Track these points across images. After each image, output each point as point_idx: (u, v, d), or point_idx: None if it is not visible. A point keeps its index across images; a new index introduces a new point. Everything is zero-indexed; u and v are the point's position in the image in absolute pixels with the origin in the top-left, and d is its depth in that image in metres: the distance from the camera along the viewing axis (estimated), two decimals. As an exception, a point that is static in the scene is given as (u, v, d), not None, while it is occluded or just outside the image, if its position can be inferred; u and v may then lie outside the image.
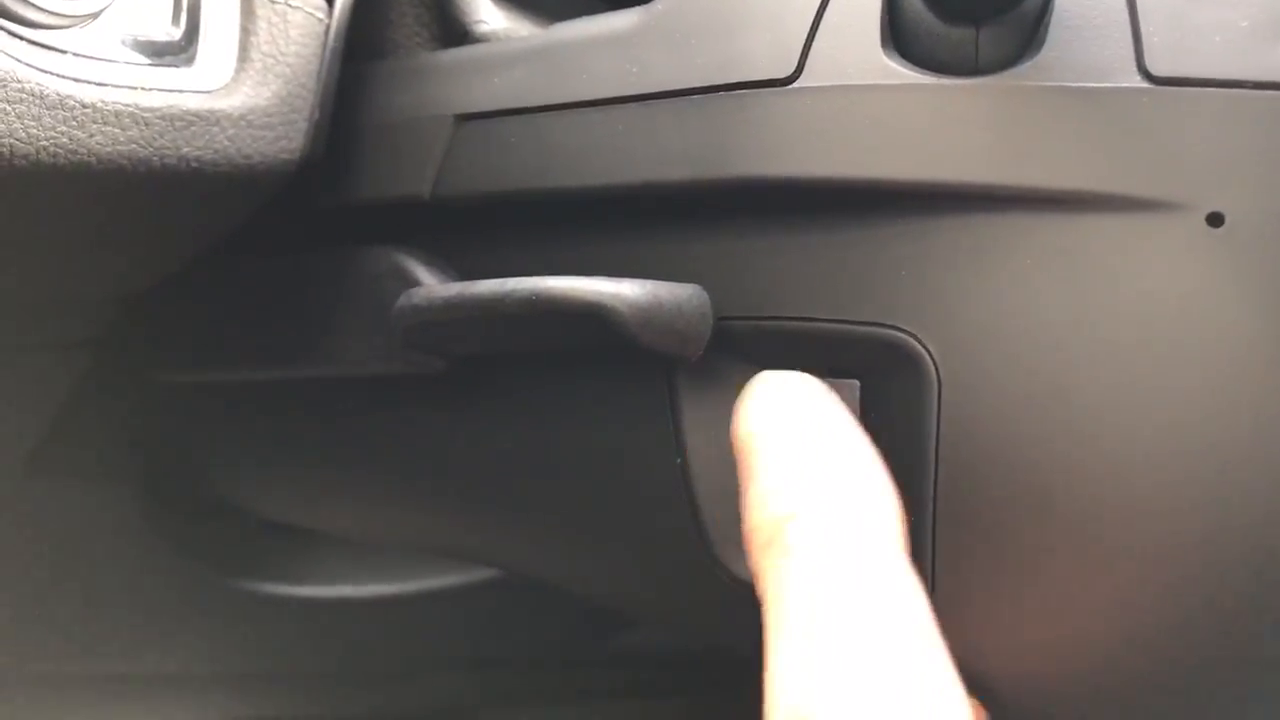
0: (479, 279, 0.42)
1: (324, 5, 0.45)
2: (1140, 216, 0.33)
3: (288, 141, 0.43)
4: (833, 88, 0.36)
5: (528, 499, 0.46)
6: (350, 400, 0.51)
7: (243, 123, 0.41)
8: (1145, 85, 0.33)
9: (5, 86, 0.33)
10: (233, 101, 0.41)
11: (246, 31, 0.42)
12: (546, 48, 0.43)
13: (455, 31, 0.47)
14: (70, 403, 0.56)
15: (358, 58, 0.48)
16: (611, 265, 0.42)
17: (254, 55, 0.42)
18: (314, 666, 0.78)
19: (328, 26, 0.46)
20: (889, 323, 0.36)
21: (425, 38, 0.48)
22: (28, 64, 0.34)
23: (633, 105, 0.40)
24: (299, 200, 0.47)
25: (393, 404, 0.49)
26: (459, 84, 0.45)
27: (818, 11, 0.37)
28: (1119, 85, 0.33)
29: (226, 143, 0.41)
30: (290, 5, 0.43)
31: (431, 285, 0.44)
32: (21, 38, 0.35)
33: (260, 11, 0.43)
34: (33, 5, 0.35)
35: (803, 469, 0.31)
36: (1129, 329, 0.33)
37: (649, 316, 0.37)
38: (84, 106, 0.35)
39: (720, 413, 0.41)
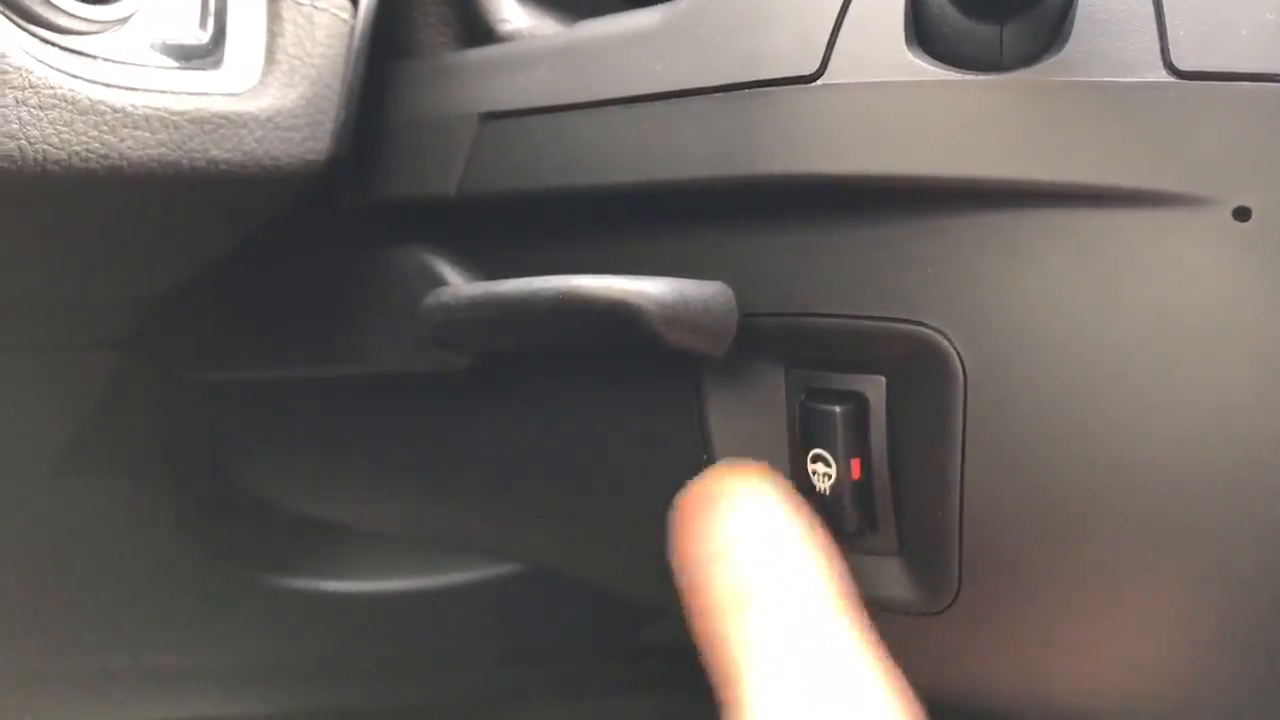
0: (505, 277, 0.43)
1: (349, 6, 0.46)
2: (1167, 212, 0.33)
3: (314, 142, 0.44)
4: (857, 85, 0.36)
5: (555, 495, 0.46)
6: (378, 397, 0.51)
7: (270, 124, 0.42)
8: (1171, 80, 0.33)
9: (38, 93, 0.34)
10: (260, 103, 0.41)
11: (273, 34, 0.43)
12: (570, 46, 0.43)
13: (479, 30, 0.47)
14: (100, 402, 0.56)
15: (382, 58, 0.48)
16: (638, 263, 0.42)
17: (280, 57, 0.42)
18: (342, 661, 0.79)
19: (352, 27, 0.46)
20: (914, 319, 0.36)
21: (449, 37, 0.49)
22: (59, 70, 0.35)
23: (657, 103, 0.40)
24: (326, 200, 0.48)
25: (420, 401, 0.49)
26: (484, 83, 0.45)
27: (841, 8, 0.37)
28: (1144, 80, 0.33)
29: (254, 144, 0.41)
30: (315, 7, 0.44)
31: (458, 284, 0.44)
32: (53, 44, 0.35)
33: (286, 14, 0.43)
34: (64, 11, 0.35)
35: (763, 549, 0.36)
36: (1156, 324, 0.33)
37: (675, 314, 0.37)
38: (115, 111, 0.36)
39: (747, 409, 0.41)
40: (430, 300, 0.42)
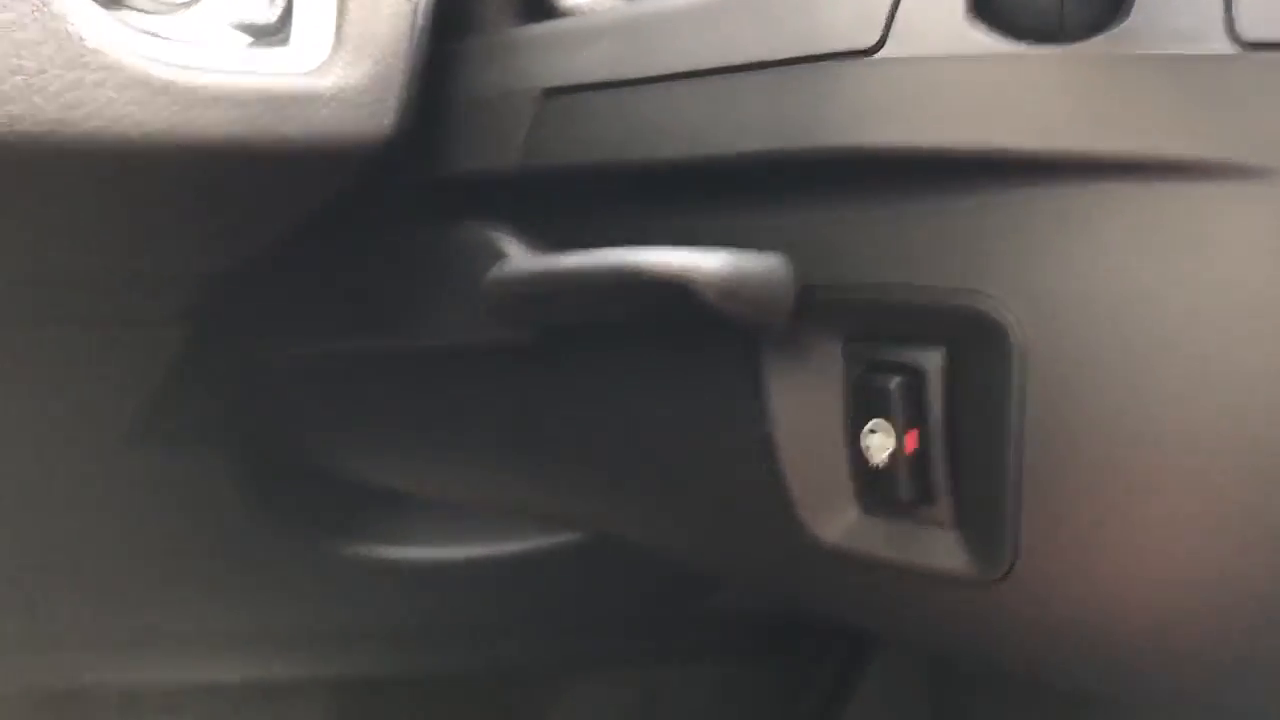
0: (567, 250, 0.43)
1: (412, -15, 0.46)
2: (1229, 183, 0.33)
3: (379, 118, 0.45)
4: (916, 58, 0.36)
5: (615, 464, 0.47)
6: (442, 369, 0.52)
7: (336, 101, 0.43)
8: (1235, 50, 0.33)
9: (115, 74, 0.35)
10: (327, 81, 0.42)
11: (340, 12, 0.43)
12: (630, 21, 0.44)
13: (540, 6, 0.48)
14: (170, 374, 0.58)
15: (446, 35, 0.49)
16: (698, 235, 0.42)
17: (347, 35, 0.43)
18: (406, 625, 0.81)
19: (416, 5, 0.47)
20: (970, 289, 0.36)
21: (511, 13, 0.49)
22: (136, 52, 0.36)
23: (718, 77, 0.41)
24: (391, 175, 0.49)
25: (483, 373, 0.50)
26: (545, 59, 0.46)
27: None
28: (1208, 51, 0.33)
29: (321, 121, 0.42)
30: None
31: (519, 259, 0.45)
32: (130, 25, 0.36)
33: None
34: None
35: None
36: (1215, 294, 0.33)
37: (730, 287, 0.38)
38: (188, 91, 0.37)
39: (805, 381, 0.42)
40: (492, 275, 0.43)
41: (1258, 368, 0.33)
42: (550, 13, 0.48)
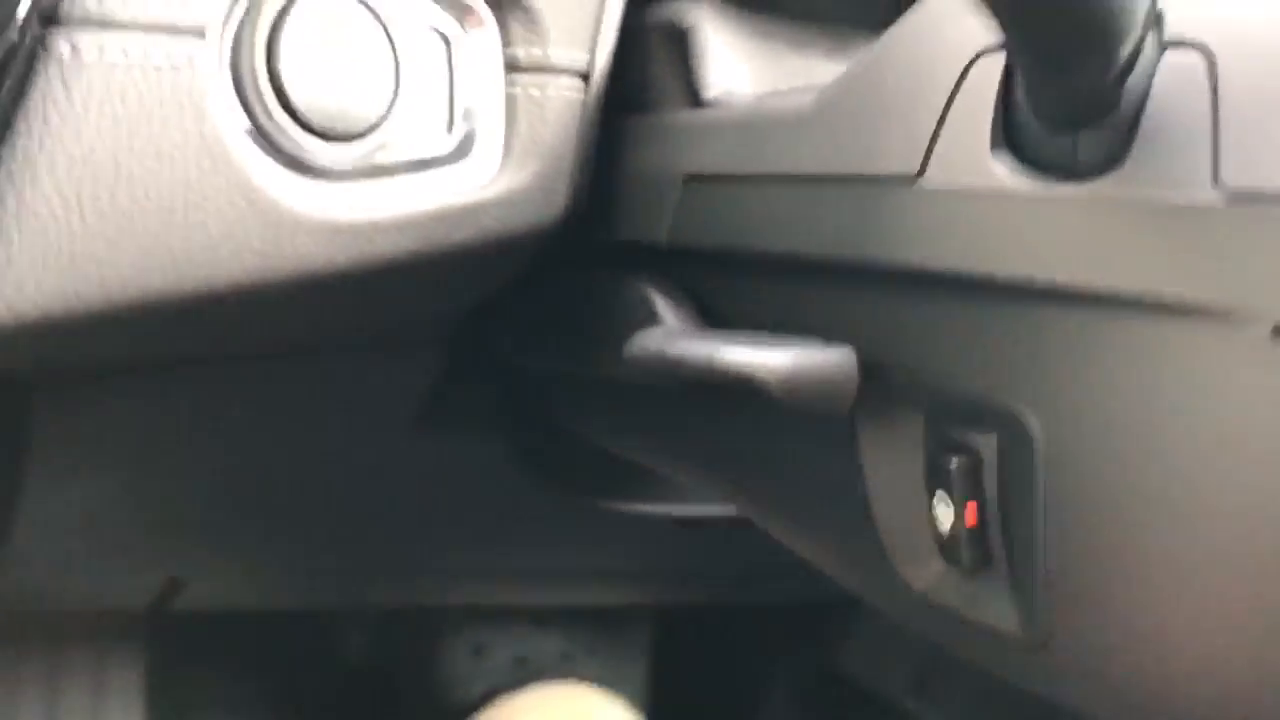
0: (710, 311, 0.51)
1: (579, 84, 0.53)
2: (1210, 323, 0.35)
3: (548, 209, 0.53)
4: (948, 191, 0.40)
5: (748, 492, 0.54)
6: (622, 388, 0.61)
7: (506, 204, 0.51)
8: (1218, 199, 0.35)
9: (312, 228, 0.45)
10: (497, 188, 0.51)
11: (508, 125, 0.51)
12: (747, 120, 0.50)
13: (691, 94, 0.54)
14: (443, 379, 0.70)
15: (613, 110, 0.56)
16: (798, 312, 0.48)
17: (515, 144, 0.51)
18: (663, 566, 0.92)
19: (586, 100, 0.54)
20: (1000, 395, 0.41)
21: (677, 98, 0.55)
22: (325, 206, 0.45)
23: (803, 183, 0.46)
24: (571, 235, 0.57)
25: (645, 398, 0.58)
26: (686, 145, 0.52)
27: (942, 112, 0.41)
28: (1193, 199, 0.35)
29: (492, 223, 0.51)
30: (547, 94, 0.52)
31: (651, 331, 0.52)
32: (312, 180, 0.46)
33: (520, 105, 0.51)
34: (317, 155, 0.46)
35: None
36: (1203, 421, 0.36)
37: (792, 384, 0.43)
38: (369, 226, 0.47)
39: (892, 449, 0.47)
40: (625, 348, 0.51)
41: (1231, 491, 0.35)
42: (697, 101, 0.54)
